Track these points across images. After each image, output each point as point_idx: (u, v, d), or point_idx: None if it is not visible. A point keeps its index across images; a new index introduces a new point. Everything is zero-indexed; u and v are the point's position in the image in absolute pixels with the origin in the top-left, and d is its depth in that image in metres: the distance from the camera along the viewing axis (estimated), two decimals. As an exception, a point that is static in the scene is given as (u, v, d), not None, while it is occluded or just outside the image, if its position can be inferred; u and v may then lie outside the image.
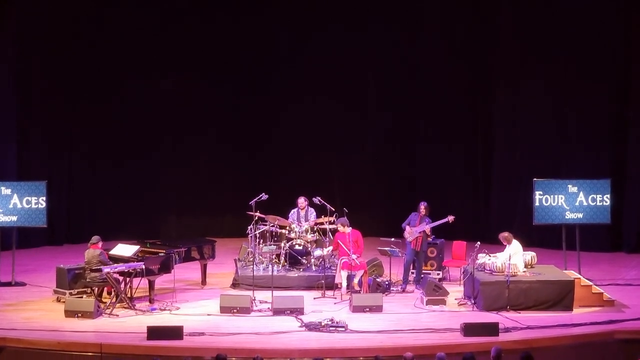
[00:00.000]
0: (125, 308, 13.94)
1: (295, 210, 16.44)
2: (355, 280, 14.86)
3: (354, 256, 14.72)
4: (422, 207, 15.42)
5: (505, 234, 14.68)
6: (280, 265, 15.84)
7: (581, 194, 16.19)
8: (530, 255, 14.72)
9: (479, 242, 14.64)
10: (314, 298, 14.75)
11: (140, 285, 14.35)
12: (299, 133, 20.03)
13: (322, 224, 16.24)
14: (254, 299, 14.25)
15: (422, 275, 15.39)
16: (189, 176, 20.09)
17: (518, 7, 19.14)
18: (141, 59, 19.62)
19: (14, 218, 16.06)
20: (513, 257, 14.28)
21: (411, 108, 19.99)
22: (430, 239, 15.70)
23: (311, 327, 13.02)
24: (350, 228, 15.10)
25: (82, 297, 14.28)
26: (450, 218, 15.37)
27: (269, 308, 13.96)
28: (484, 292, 13.97)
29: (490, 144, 19.81)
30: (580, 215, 16.23)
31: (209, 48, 19.92)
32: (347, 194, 19.12)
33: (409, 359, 10.64)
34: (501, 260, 14.35)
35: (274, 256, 15.88)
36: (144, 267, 13.98)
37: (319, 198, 16.23)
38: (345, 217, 15.23)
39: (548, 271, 14.67)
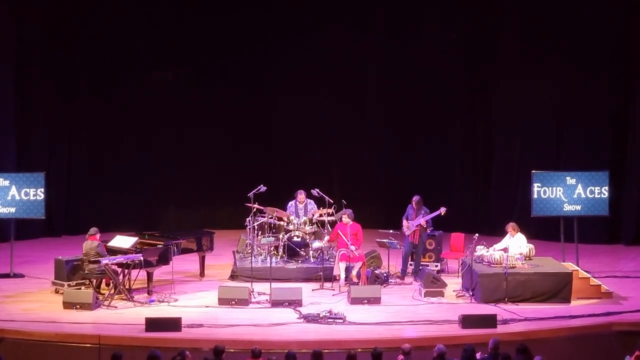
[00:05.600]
0: (124, 300, 13.95)
1: (293, 202, 16.42)
2: (354, 272, 14.87)
3: (352, 247, 14.73)
4: (414, 201, 15.41)
5: (514, 224, 14.72)
6: (279, 257, 15.84)
7: (579, 186, 16.20)
8: (528, 247, 14.72)
9: (477, 234, 14.63)
10: (312, 290, 14.76)
11: (138, 276, 14.34)
12: (298, 125, 20.00)
13: (320, 215, 16.24)
14: (252, 291, 14.27)
15: (421, 267, 15.40)
16: (187, 168, 20.06)
17: (519, 1, 19.11)
18: (140, 53, 19.58)
19: (13, 209, 16.05)
20: (511, 248, 14.35)
21: (410, 100, 19.96)
22: (429, 231, 15.71)
23: (309, 318, 13.03)
24: (352, 221, 15.10)
25: (80, 289, 14.28)
26: (442, 210, 15.34)
27: (267, 300, 13.97)
28: (482, 284, 13.98)
29: (489, 136, 19.79)
30: (578, 208, 16.24)
31: (208, 41, 19.85)
32: (345, 186, 19.12)
33: (407, 350, 10.66)
34: (499, 251, 14.40)
35: (272, 248, 15.88)
36: (142, 258, 13.98)
37: (318, 190, 16.24)
38: (351, 210, 15.22)
39: (546, 263, 14.68)
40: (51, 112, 19.38)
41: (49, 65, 19.22)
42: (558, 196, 16.23)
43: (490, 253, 14.50)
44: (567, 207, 16.23)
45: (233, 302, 13.78)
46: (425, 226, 15.43)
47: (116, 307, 13.67)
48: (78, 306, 13.42)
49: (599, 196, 16.21)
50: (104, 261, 13.80)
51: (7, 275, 15.69)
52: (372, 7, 19.82)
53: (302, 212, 16.29)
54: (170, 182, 20.05)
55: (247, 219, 16.20)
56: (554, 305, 13.74)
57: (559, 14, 18.67)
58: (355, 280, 14.83)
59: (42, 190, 16.10)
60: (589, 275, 14.71)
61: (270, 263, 15.03)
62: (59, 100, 19.43)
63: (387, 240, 15.49)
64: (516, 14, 19.18)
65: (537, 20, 18.86)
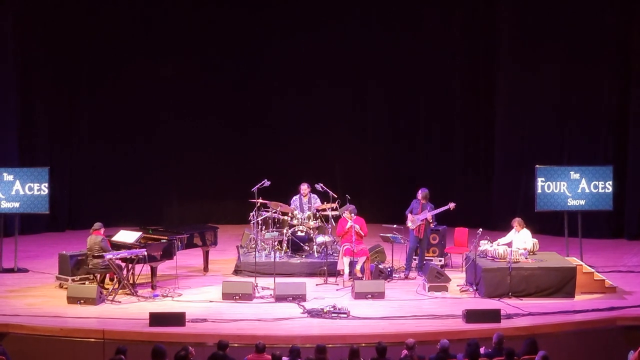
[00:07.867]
0: (128, 294, 13.96)
1: (297, 196, 16.43)
2: (358, 267, 14.88)
3: (356, 226, 14.68)
4: (420, 194, 15.37)
5: (520, 219, 14.72)
6: (283, 252, 15.85)
7: (583, 180, 16.16)
8: (532, 242, 14.71)
9: (480, 229, 14.64)
10: (316, 285, 14.77)
11: (142, 271, 14.36)
12: (301, 119, 19.99)
13: (324, 210, 16.24)
14: (256, 286, 14.26)
15: (425, 262, 15.40)
16: (191, 162, 20.04)
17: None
18: (141, 45, 19.56)
19: (17, 204, 16.06)
20: (515, 243, 14.34)
21: (413, 94, 19.95)
22: (432, 226, 15.69)
23: (313, 313, 13.04)
24: (355, 216, 15.10)
25: (84, 284, 14.29)
26: (451, 205, 15.33)
27: (271, 295, 13.99)
28: (485, 279, 13.98)
29: (492, 131, 19.75)
30: (582, 202, 16.20)
31: (209, 33, 19.83)
32: (349, 180, 19.10)
33: (411, 345, 10.66)
34: (503, 246, 14.40)
35: (276, 243, 15.89)
36: (146, 253, 13.98)
37: (322, 185, 16.23)
38: (354, 206, 15.21)
39: (550, 258, 14.68)
40: (53, 108, 19.33)
41: (50, 62, 19.17)
42: (562, 191, 16.19)
43: (494, 248, 14.50)
44: (571, 202, 16.20)
45: (237, 297, 13.79)
46: (430, 220, 15.41)
47: (120, 301, 13.68)
48: (82, 301, 13.44)
49: (603, 191, 16.16)
50: (108, 256, 13.81)
51: (11, 270, 15.71)
52: (373, 5, 19.79)
53: (306, 206, 16.29)
54: (174, 176, 20.04)
55: (251, 214, 16.18)
56: (558, 300, 13.73)
57: (560, 10, 18.61)
58: (359, 275, 14.84)
59: (46, 185, 16.09)
60: (593, 270, 14.69)
61: (274, 258, 15.03)
62: (61, 97, 19.40)
63: (391, 234, 15.49)
64: (517, 11, 19.11)
65: (539, 16, 18.80)
